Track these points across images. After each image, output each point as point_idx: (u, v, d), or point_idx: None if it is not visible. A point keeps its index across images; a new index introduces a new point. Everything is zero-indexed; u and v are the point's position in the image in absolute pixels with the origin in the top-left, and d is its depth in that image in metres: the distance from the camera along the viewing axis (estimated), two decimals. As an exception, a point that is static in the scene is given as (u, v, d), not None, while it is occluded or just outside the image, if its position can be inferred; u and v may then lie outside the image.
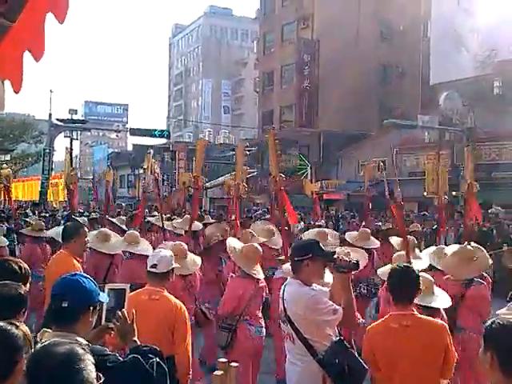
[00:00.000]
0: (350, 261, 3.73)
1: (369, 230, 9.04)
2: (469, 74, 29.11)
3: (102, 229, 8.49)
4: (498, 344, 2.18)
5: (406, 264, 4.24)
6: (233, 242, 6.55)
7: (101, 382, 1.72)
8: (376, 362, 3.84)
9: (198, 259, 6.42)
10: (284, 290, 3.98)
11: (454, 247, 6.59)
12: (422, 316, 3.83)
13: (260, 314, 5.91)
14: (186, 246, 6.37)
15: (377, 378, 3.96)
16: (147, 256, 6.25)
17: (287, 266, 4.83)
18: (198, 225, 9.70)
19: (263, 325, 5.90)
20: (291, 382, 3.94)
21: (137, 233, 7.94)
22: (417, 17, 36.31)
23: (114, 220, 11.03)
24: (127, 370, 2.53)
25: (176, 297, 4.53)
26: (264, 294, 6.07)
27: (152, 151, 10.73)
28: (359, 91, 34.52)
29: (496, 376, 2.16)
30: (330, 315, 3.71)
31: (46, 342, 1.92)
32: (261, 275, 5.99)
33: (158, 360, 2.64)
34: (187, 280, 6.30)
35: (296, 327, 3.79)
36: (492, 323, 2.25)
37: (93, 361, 1.71)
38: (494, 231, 15.19)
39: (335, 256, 3.78)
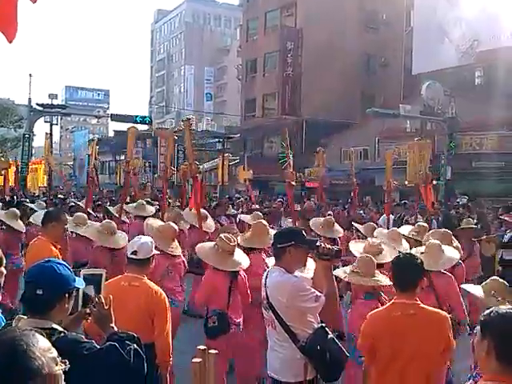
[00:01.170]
0: (332, 249, 3.72)
1: (333, 219, 9.01)
2: (451, 64, 29.29)
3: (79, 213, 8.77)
4: (495, 333, 2.22)
5: (409, 252, 4.26)
6: (151, 222, 7.10)
7: (64, 368, 1.64)
8: (374, 349, 3.85)
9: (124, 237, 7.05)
10: (266, 277, 3.96)
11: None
12: (425, 306, 3.85)
13: (179, 289, 6.34)
14: (114, 224, 7.27)
15: (369, 367, 3.98)
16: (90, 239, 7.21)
17: None
18: (150, 209, 10.45)
19: (181, 299, 6.41)
20: (272, 369, 3.93)
21: (85, 216, 8.41)
22: (400, 7, 36.40)
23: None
24: (104, 358, 2.48)
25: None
26: (182, 269, 6.53)
27: (96, 138, 11.87)
28: (343, 80, 34.56)
29: (492, 364, 2.21)
30: (312, 302, 3.70)
31: None
32: (178, 251, 6.43)
33: (135, 347, 2.60)
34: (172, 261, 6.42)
35: (278, 314, 3.78)
36: (490, 312, 2.29)
37: (42, 346, 1.63)
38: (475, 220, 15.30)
39: (317, 244, 3.76)
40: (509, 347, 2.19)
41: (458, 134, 24.33)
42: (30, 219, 9.22)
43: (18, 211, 9.13)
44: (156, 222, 7.27)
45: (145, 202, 10.82)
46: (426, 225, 7.98)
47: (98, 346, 2.53)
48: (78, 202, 13.34)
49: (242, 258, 5.94)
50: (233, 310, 5.62)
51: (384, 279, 4.84)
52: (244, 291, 5.79)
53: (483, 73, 28.88)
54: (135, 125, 31.34)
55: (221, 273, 5.66)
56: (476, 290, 4.18)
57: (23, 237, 9.10)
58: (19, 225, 8.85)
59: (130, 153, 10.82)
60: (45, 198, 17.16)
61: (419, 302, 3.80)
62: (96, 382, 2.46)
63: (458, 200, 19.33)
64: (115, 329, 2.78)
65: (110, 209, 11.14)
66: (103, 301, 2.83)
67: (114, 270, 5.44)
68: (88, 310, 2.80)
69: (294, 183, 7.07)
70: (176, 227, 6.67)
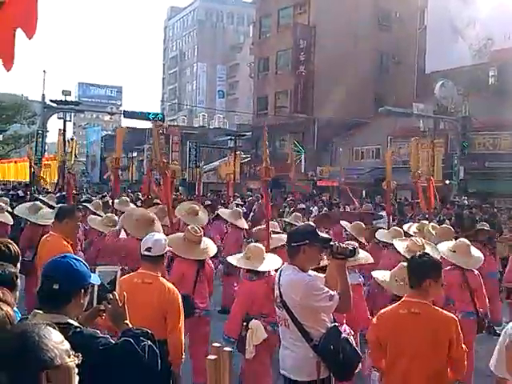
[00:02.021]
0: (346, 247, 3.71)
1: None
2: (465, 63, 29.09)
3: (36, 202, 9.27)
4: None
5: (424, 251, 4.28)
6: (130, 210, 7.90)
7: (77, 361, 1.66)
8: (381, 346, 3.89)
9: None
10: (280, 276, 3.96)
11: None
12: (433, 306, 3.86)
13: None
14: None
15: (379, 367, 4.00)
16: (40, 224, 7.65)
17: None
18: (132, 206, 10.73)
19: None
20: (285, 367, 3.93)
21: (40, 204, 8.83)
22: (414, 5, 36.18)
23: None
24: (118, 353, 2.50)
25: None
26: None
27: (75, 138, 12.45)
28: (355, 78, 34.38)
29: None
30: (326, 301, 3.68)
31: None
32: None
33: (149, 343, 2.61)
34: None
35: (292, 313, 3.77)
36: None
37: (56, 339, 1.66)
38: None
39: (331, 243, 3.75)
40: None
41: (472, 133, 24.20)
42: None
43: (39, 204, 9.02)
44: (135, 211, 7.81)
45: (128, 199, 11.52)
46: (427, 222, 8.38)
47: (113, 342, 2.55)
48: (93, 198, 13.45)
49: (208, 247, 6.33)
50: (198, 296, 5.97)
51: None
52: (212, 279, 6.40)
53: (497, 72, 28.64)
54: (147, 121, 31.50)
55: (188, 261, 6.12)
56: (382, 275, 4.72)
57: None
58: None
59: (119, 150, 11.60)
60: (58, 194, 17.23)
61: (427, 302, 3.81)
62: (111, 377, 2.47)
63: (456, 200, 19.13)
64: (129, 326, 2.79)
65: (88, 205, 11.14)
66: (117, 298, 2.85)
67: None
68: (102, 307, 2.82)
69: (268, 179, 7.09)
70: (152, 216, 6.99)
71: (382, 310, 4.04)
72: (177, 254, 6.26)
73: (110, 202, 10.75)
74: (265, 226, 7.04)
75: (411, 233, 7.94)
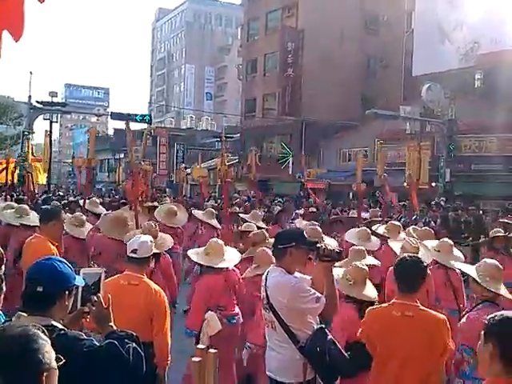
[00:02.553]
0: (332, 250, 3.72)
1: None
2: (452, 67, 29.29)
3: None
4: (498, 335, 2.24)
5: (414, 254, 4.30)
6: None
7: (61, 363, 1.68)
8: (371, 346, 3.89)
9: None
10: (267, 278, 3.96)
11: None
12: (425, 308, 3.88)
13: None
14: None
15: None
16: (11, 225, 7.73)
17: None
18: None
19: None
20: (271, 369, 3.93)
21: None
22: (401, 8, 36.38)
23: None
24: (103, 356, 2.48)
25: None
26: None
27: (31, 136, 12.74)
28: (343, 81, 34.51)
29: (496, 367, 2.23)
30: (313, 303, 3.69)
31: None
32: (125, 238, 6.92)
33: (134, 345, 2.60)
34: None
35: (278, 315, 3.78)
36: (495, 315, 2.32)
37: (49, 342, 1.68)
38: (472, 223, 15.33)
39: (318, 245, 3.76)
40: None
41: (458, 136, 24.37)
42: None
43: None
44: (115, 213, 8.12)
45: (98, 201, 11.48)
46: (397, 223, 8.43)
47: (98, 344, 2.53)
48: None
49: (165, 241, 6.56)
50: None
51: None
52: (168, 273, 6.56)
53: (483, 76, 28.87)
54: (133, 123, 31.40)
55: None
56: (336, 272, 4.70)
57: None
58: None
59: (92, 151, 12.14)
60: (44, 196, 17.19)
61: (419, 305, 3.83)
62: (94, 380, 2.46)
63: (434, 202, 19.20)
64: (114, 328, 2.78)
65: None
66: (102, 300, 2.83)
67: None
68: (87, 309, 2.80)
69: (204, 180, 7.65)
70: (127, 215, 7.53)
71: (370, 310, 4.03)
72: None
73: (82, 202, 10.91)
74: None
75: (382, 233, 8.05)
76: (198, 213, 11.00)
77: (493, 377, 2.25)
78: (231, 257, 5.88)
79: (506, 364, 2.20)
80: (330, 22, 34.29)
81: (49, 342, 1.69)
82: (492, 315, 2.34)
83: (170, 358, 4.41)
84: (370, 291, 4.73)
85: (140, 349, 2.61)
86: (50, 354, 1.64)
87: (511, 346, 2.21)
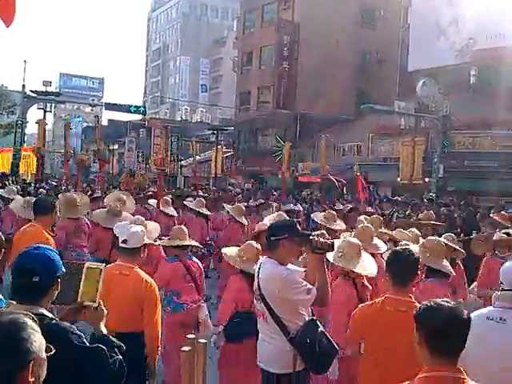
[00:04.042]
0: (325, 242, 3.72)
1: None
2: (447, 63, 29.28)
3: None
4: (424, 324, 2.38)
5: (406, 247, 4.23)
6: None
7: (51, 353, 1.67)
8: (364, 341, 3.88)
9: None
10: (259, 269, 3.97)
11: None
12: (417, 304, 3.82)
13: (85, 243, 7.59)
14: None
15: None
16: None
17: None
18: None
19: (86, 252, 7.57)
20: (262, 359, 3.95)
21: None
22: (398, 4, 36.38)
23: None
24: (92, 357, 2.47)
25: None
26: (87, 228, 7.74)
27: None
28: (338, 75, 34.51)
29: (424, 354, 2.38)
30: (304, 295, 3.70)
31: None
32: (80, 215, 7.76)
33: (120, 358, 2.60)
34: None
35: (270, 306, 3.78)
36: (421, 306, 2.44)
37: (39, 331, 1.68)
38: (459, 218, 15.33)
39: (311, 237, 3.76)
40: (436, 339, 2.32)
41: (452, 132, 24.40)
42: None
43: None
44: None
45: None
46: (334, 213, 8.39)
47: (88, 344, 2.52)
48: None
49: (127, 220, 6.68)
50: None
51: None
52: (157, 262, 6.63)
53: (478, 72, 28.90)
54: (127, 114, 31.19)
55: (106, 229, 7.10)
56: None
57: None
58: None
59: (42, 141, 12.14)
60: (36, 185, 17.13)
61: (412, 300, 3.77)
62: (80, 376, 2.44)
63: (426, 197, 19.16)
64: (104, 330, 2.75)
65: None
66: (99, 300, 2.79)
67: None
68: (87, 303, 2.75)
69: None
70: (75, 196, 8.09)
71: (363, 305, 4.02)
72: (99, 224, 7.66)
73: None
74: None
75: (318, 221, 8.13)
76: (190, 204, 11.60)
77: (426, 366, 2.36)
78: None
79: (430, 352, 2.33)
80: (327, 15, 34.24)
81: (39, 331, 1.68)
82: (420, 305, 2.45)
83: (160, 349, 4.41)
84: (362, 266, 4.88)
85: (123, 365, 2.62)
86: (38, 343, 1.64)
87: (434, 336, 2.32)
